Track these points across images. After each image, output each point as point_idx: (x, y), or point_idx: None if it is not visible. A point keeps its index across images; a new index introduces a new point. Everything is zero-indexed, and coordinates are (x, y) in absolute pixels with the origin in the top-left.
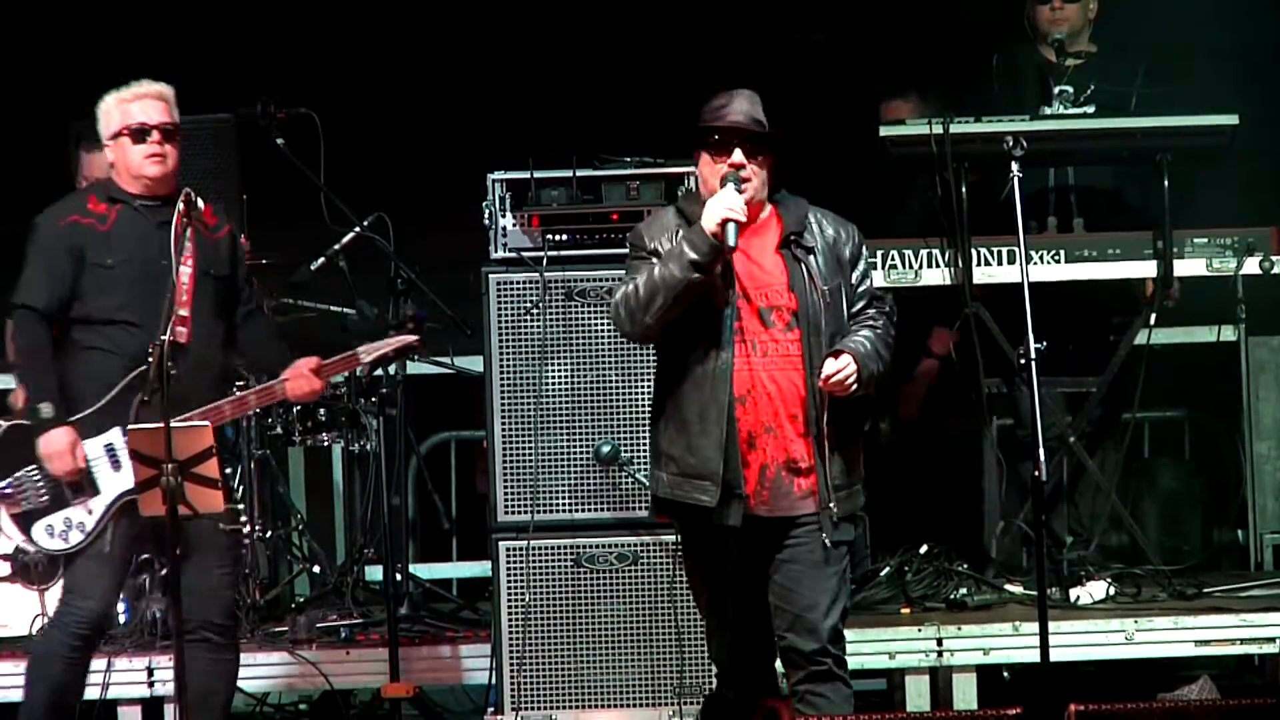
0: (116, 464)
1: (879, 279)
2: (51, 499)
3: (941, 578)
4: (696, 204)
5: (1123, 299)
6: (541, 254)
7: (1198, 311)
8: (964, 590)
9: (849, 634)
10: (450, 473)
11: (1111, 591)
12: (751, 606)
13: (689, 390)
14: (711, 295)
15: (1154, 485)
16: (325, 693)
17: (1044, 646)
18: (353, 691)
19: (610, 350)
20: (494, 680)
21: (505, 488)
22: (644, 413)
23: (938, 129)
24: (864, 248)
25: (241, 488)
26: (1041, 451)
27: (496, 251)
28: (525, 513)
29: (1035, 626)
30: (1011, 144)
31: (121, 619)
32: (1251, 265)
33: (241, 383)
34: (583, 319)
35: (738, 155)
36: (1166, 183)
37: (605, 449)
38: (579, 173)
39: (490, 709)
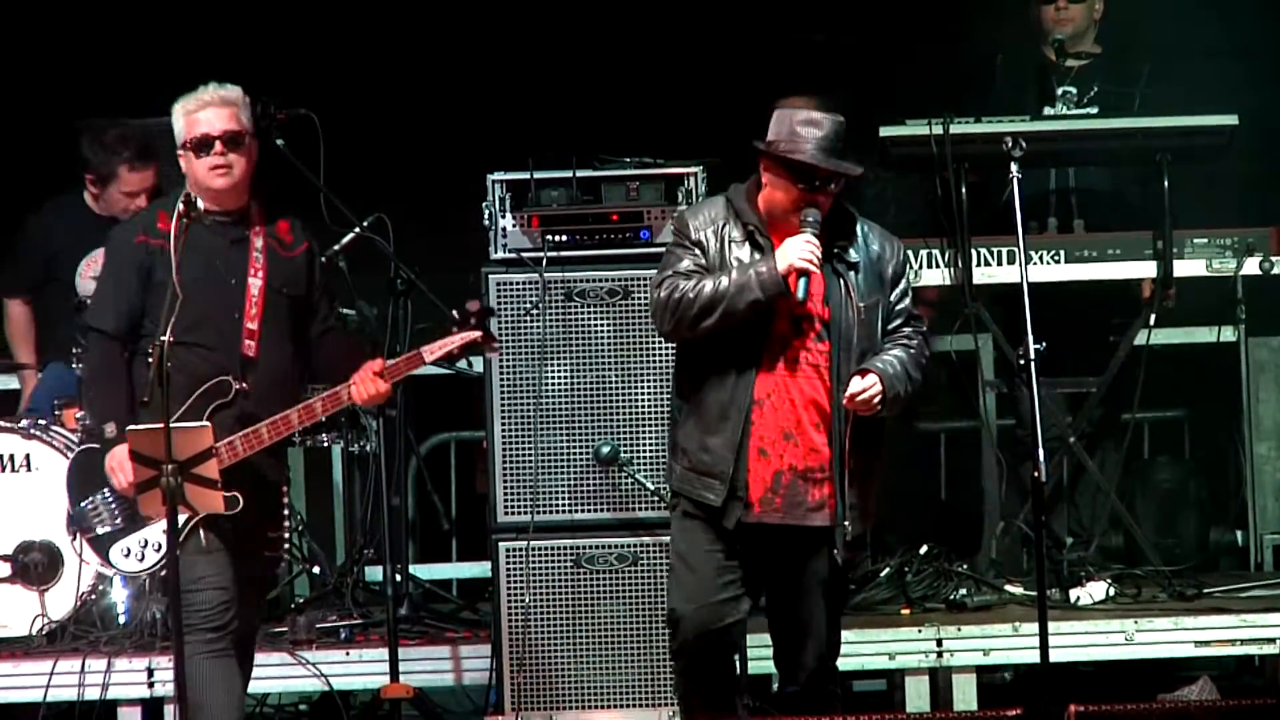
0: None
1: None
2: (126, 521)
3: (941, 578)
4: (746, 201)
5: (1123, 299)
6: (541, 254)
7: (1198, 312)
8: (964, 591)
9: (849, 635)
10: (450, 473)
11: (1111, 592)
12: (744, 606)
13: (712, 389)
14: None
15: (1152, 485)
16: (325, 693)
17: (1044, 647)
18: (352, 692)
19: (610, 350)
20: (494, 681)
21: (505, 488)
22: (644, 413)
23: (938, 129)
24: (907, 266)
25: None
26: (1041, 452)
27: (496, 252)
28: (525, 513)
29: (1035, 627)
30: (1011, 145)
31: (121, 619)
32: (1251, 266)
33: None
34: (583, 319)
35: (817, 206)
36: (1166, 183)
37: (605, 449)
38: (579, 173)
39: (490, 710)
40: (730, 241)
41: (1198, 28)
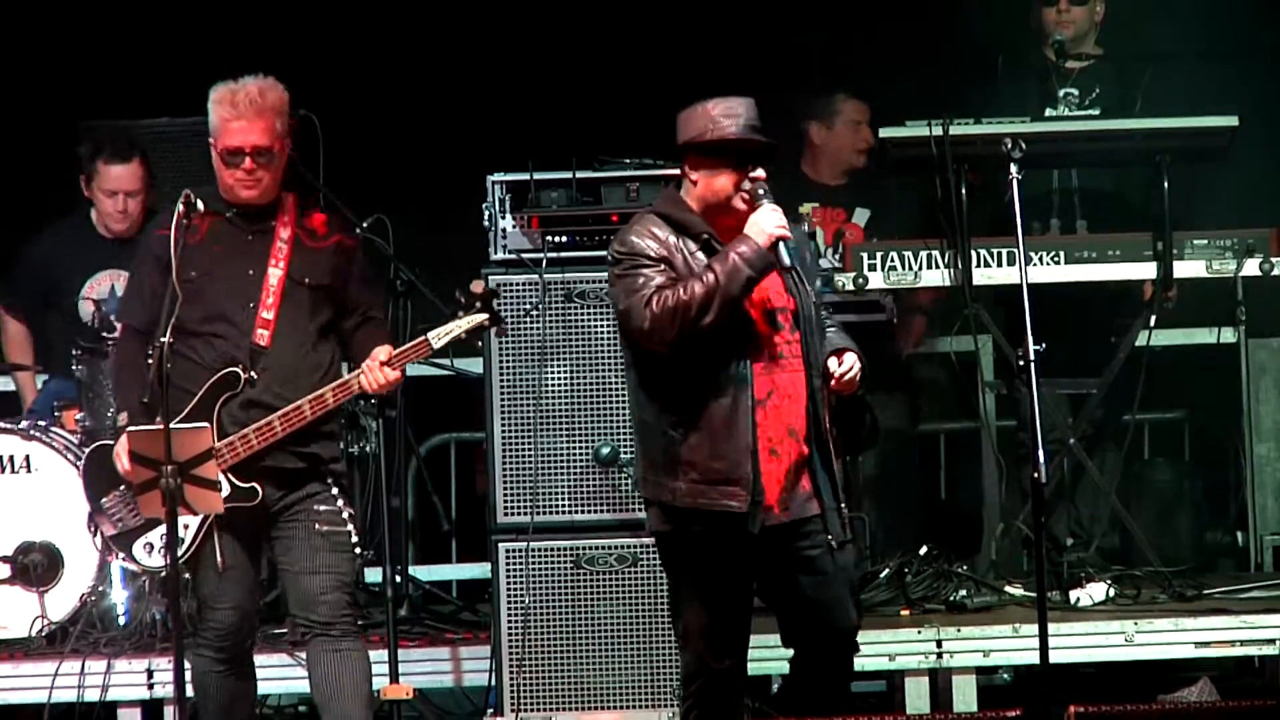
0: None
1: (878, 280)
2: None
3: (941, 579)
4: (686, 212)
5: (1123, 300)
6: (541, 255)
7: (1198, 313)
8: (964, 592)
9: None
10: (450, 474)
11: (1111, 593)
12: (746, 606)
13: (710, 397)
14: None
15: (1152, 487)
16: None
17: (1044, 648)
18: None
19: (610, 351)
20: (493, 682)
21: (505, 489)
22: None
23: (938, 130)
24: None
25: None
26: (1041, 453)
27: (496, 253)
28: (525, 514)
29: (1035, 628)
30: (1010, 146)
31: (121, 620)
32: (1251, 267)
33: None
34: (582, 320)
35: (760, 171)
36: (1167, 184)
37: (605, 450)
38: (578, 174)
39: (490, 711)
40: (689, 253)
41: (1198, 29)
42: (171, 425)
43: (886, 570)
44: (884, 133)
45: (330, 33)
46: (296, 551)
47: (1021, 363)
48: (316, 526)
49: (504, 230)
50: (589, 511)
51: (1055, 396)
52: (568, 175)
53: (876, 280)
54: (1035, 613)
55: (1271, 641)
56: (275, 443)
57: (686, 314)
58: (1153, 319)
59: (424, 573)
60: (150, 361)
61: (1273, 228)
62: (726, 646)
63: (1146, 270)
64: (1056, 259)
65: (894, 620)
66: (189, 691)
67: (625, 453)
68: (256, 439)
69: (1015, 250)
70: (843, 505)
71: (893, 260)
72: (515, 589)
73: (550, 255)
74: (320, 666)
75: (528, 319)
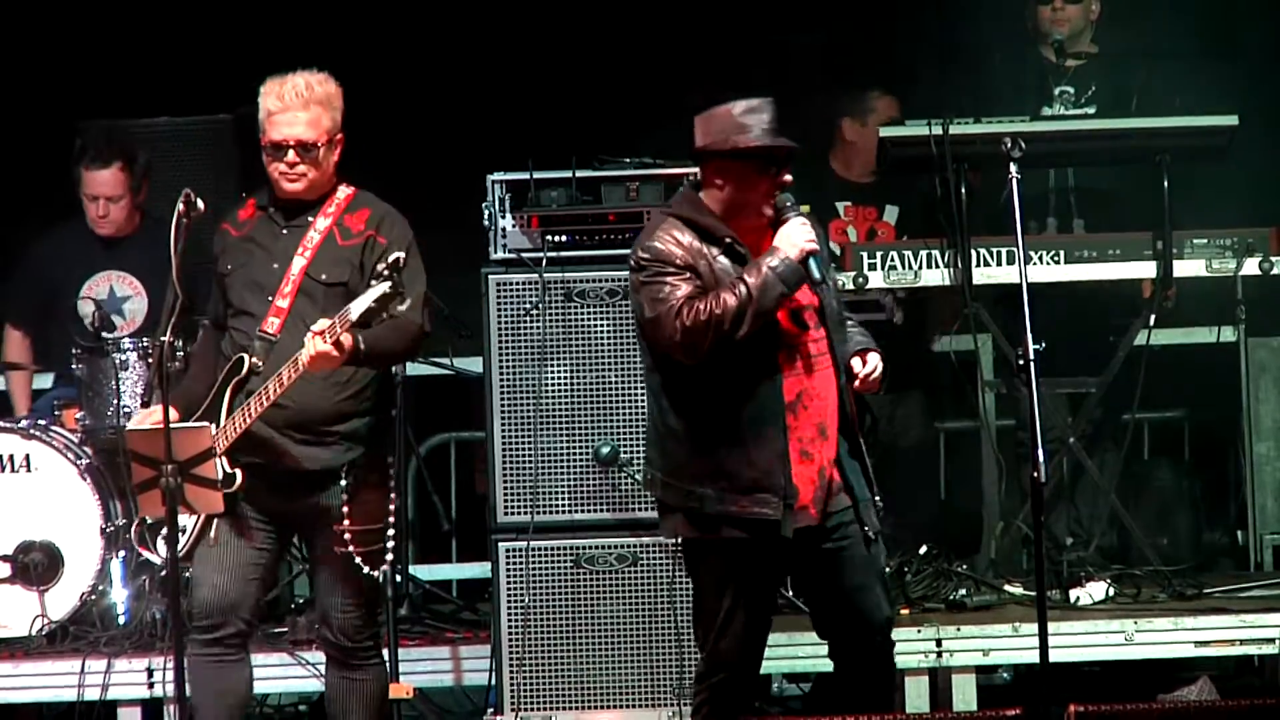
0: None
1: (878, 280)
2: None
3: (941, 578)
4: (708, 216)
5: (1123, 300)
6: (541, 255)
7: (1197, 312)
8: (963, 591)
9: None
10: (450, 474)
11: (1111, 592)
12: (761, 618)
13: (738, 403)
14: None
15: (1152, 486)
16: (324, 694)
17: (1043, 647)
18: None
19: (610, 351)
20: (494, 681)
21: (505, 489)
22: (644, 413)
23: (937, 130)
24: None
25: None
26: (1041, 452)
27: (496, 252)
28: (525, 514)
29: (1035, 627)
30: (1010, 145)
31: (121, 619)
32: (1251, 266)
33: None
34: (582, 320)
35: (788, 177)
36: (1166, 183)
37: (605, 450)
38: (578, 174)
39: (490, 710)
40: (712, 259)
41: (1197, 27)
42: (172, 425)
43: (886, 569)
44: (884, 132)
45: (330, 33)
46: (320, 565)
47: (1021, 362)
48: (335, 549)
49: (504, 230)
50: (589, 511)
51: (1055, 396)
52: (568, 175)
53: (876, 280)
54: (1035, 612)
55: (1271, 640)
56: (293, 443)
57: (720, 328)
58: (1152, 318)
59: (424, 572)
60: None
61: (1272, 227)
62: (745, 649)
63: (1146, 269)
64: (1056, 258)
65: (894, 619)
66: (189, 691)
67: (625, 452)
68: (240, 420)
69: (1015, 249)
70: (876, 497)
71: (893, 260)
72: (515, 588)
73: (550, 255)
74: (332, 689)
75: (528, 318)
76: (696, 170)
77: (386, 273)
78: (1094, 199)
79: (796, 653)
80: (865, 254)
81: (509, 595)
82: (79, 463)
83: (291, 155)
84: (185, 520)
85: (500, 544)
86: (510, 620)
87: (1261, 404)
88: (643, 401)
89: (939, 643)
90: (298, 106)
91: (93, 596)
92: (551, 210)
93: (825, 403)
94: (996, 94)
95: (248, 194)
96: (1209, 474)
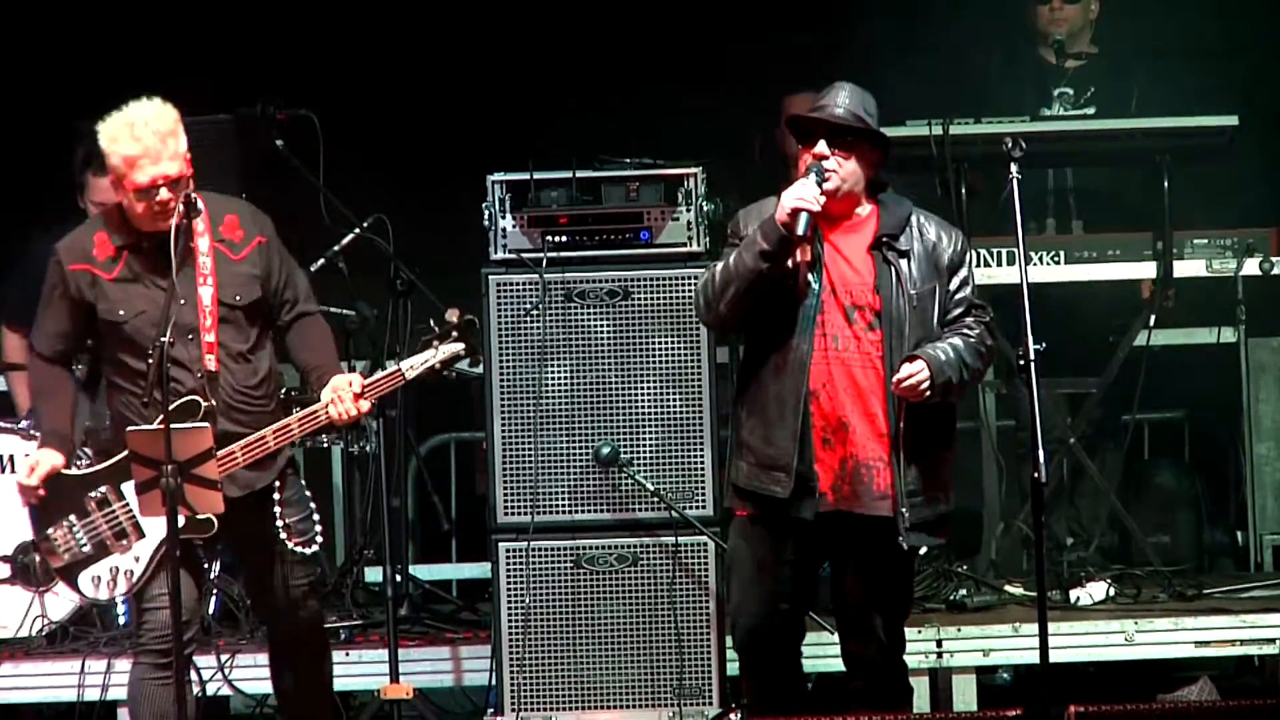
0: None
1: None
2: (95, 548)
3: (941, 579)
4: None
5: (1123, 300)
6: (541, 255)
7: (1197, 313)
8: (964, 591)
9: None
10: (450, 474)
11: (1111, 593)
12: (781, 601)
13: (768, 380)
14: (798, 287)
15: (1153, 486)
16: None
17: (1044, 648)
18: (352, 693)
19: (610, 351)
20: (494, 681)
21: (505, 489)
22: (644, 413)
23: (937, 130)
24: (968, 256)
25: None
26: (1041, 453)
27: (496, 253)
28: (525, 514)
29: (1035, 627)
30: (1011, 145)
31: (121, 620)
32: (1251, 266)
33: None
34: (582, 320)
35: (821, 146)
36: (1166, 184)
37: (605, 450)
38: (579, 174)
39: (490, 710)
40: None
41: (1197, 27)
42: (172, 425)
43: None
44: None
45: (329, 32)
46: (265, 567)
47: (1021, 362)
48: (276, 537)
49: (504, 230)
50: (589, 511)
51: (1055, 396)
52: (568, 175)
53: None
54: (1035, 612)
55: (1271, 641)
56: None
57: (710, 287)
58: (1152, 318)
59: (424, 572)
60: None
61: (1272, 227)
62: (766, 633)
63: (1146, 270)
64: (1056, 259)
65: None
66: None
67: (625, 453)
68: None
69: (1015, 250)
70: (905, 510)
71: None
72: (515, 589)
73: (550, 255)
74: (281, 680)
75: (527, 319)
76: (695, 171)
77: (456, 334)
78: (1093, 199)
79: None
80: None
81: (509, 595)
82: (79, 463)
83: (164, 194)
84: (132, 557)
85: (500, 544)
86: (510, 620)
87: (1261, 404)
88: (643, 402)
89: (939, 643)
90: (157, 143)
91: None
92: (552, 210)
93: (852, 398)
94: (995, 95)
95: (96, 224)
96: (1209, 474)
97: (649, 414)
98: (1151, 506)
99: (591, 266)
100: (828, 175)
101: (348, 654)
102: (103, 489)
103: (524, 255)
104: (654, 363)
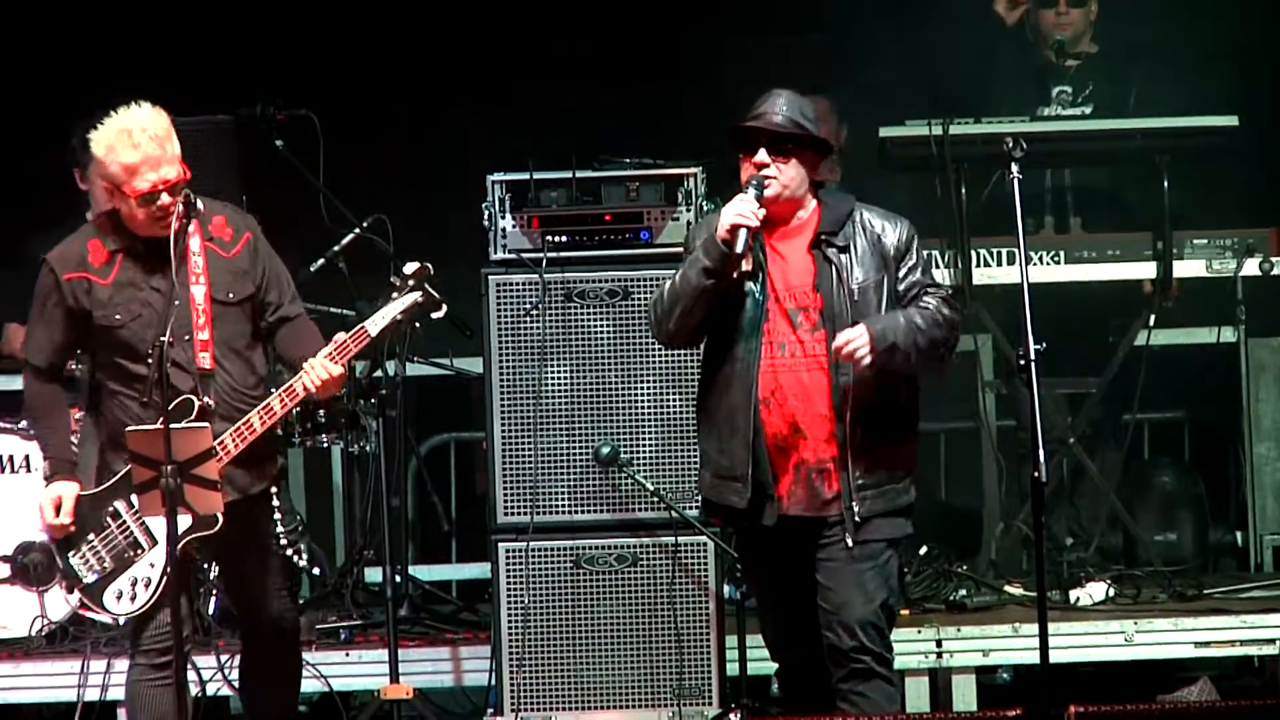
0: None
1: None
2: (115, 561)
3: (941, 579)
4: None
5: (1123, 300)
6: (541, 255)
7: (1197, 313)
8: (963, 591)
9: None
10: (450, 474)
11: (1111, 593)
12: (797, 599)
13: (719, 392)
14: (744, 297)
15: (1153, 486)
16: (325, 694)
17: (1044, 648)
18: (352, 693)
19: (610, 351)
20: (493, 682)
21: (505, 489)
22: (644, 413)
23: (937, 130)
24: (914, 242)
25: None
26: (1041, 453)
27: (496, 253)
28: (525, 514)
29: (1035, 628)
30: (1011, 145)
31: (121, 620)
32: (1251, 266)
33: None
34: (582, 320)
35: (761, 155)
36: (1166, 184)
37: (605, 450)
38: (578, 174)
39: (490, 710)
40: None
41: (1197, 27)
42: (172, 425)
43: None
44: (884, 132)
45: (330, 32)
46: (252, 575)
47: (1021, 362)
48: (269, 544)
49: (504, 230)
50: (589, 511)
51: (1055, 396)
52: (568, 175)
53: None
54: (1035, 612)
55: (1271, 641)
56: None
57: (659, 306)
58: (1152, 318)
59: (424, 572)
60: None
61: (1272, 227)
62: (780, 638)
63: (1146, 270)
64: (1056, 258)
65: (894, 620)
66: (192, 690)
67: (625, 453)
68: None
69: (1015, 250)
70: (854, 505)
71: None
72: (515, 589)
73: (550, 255)
74: (252, 676)
75: (527, 319)
76: (694, 171)
77: (413, 282)
78: (1092, 198)
79: None
80: None
81: (509, 596)
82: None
83: (165, 199)
84: (147, 564)
85: (500, 544)
86: (510, 621)
87: (1261, 404)
88: (642, 402)
89: (939, 643)
90: (155, 149)
91: None
92: (551, 210)
93: (801, 402)
94: (995, 95)
95: (91, 231)
96: (1209, 474)
97: (649, 414)
98: (1152, 506)
99: (591, 266)
100: (767, 183)
101: (347, 654)
102: (117, 502)
103: (524, 255)
104: (654, 363)
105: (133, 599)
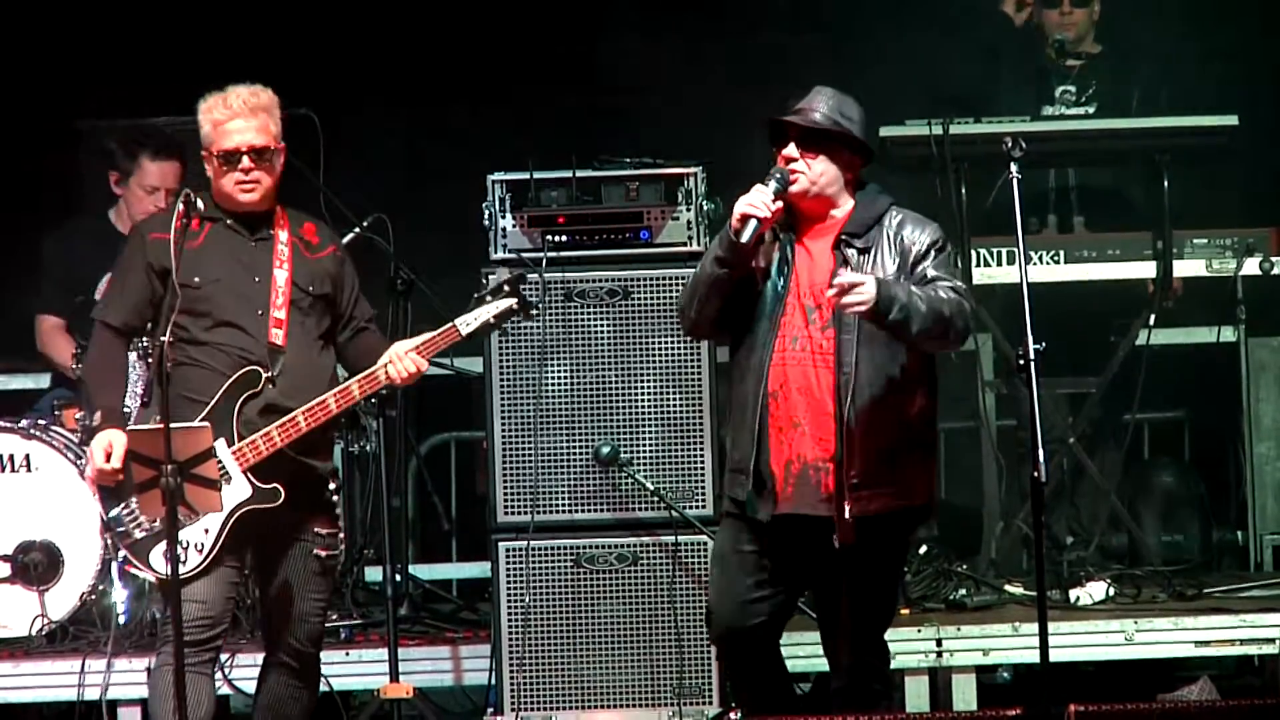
0: (227, 478)
1: None
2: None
3: (941, 578)
4: None
5: (1123, 299)
6: (541, 255)
7: (1198, 312)
8: (963, 591)
9: None
10: (450, 473)
11: (1111, 592)
12: (773, 593)
13: (738, 384)
14: (767, 291)
15: (1154, 486)
16: (325, 693)
17: (1044, 647)
18: (352, 692)
19: (610, 351)
20: (494, 681)
21: (505, 488)
22: (644, 413)
23: (938, 130)
24: (937, 246)
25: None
26: (1041, 452)
27: (496, 252)
28: (525, 513)
29: (1035, 627)
30: (1010, 145)
31: (121, 619)
32: (1251, 266)
33: None
34: (582, 320)
35: (790, 149)
36: (1166, 183)
37: (605, 450)
38: (578, 174)
39: (490, 710)
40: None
41: (1198, 27)
42: (172, 424)
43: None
44: (884, 131)
45: (330, 32)
46: (288, 570)
47: (1021, 361)
48: (315, 551)
49: (504, 229)
50: (589, 511)
51: (1055, 395)
52: (568, 174)
53: None
54: (1035, 612)
55: (1271, 640)
56: (291, 452)
57: (684, 297)
58: (1153, 318)
59: (424, 572)
60: (150, 362)
61: (1272, 227)
62: (741, 608)
63: (1146, 269)
64: (1056, 258)
65: (894, 619)
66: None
67: (625, 452)
68: (280, 435)
69: (1015, 249)
70: (847, 504)
71: None
72: (515, 588)
73: (550, 255)
74: (270, 698)
75: (527, 318)
76: (695, 171)
77: (508, 288)
78: (1094, 197)
79: (796, 652)
80: None
81: (509, 595)
82: (79, 463)
83: (246, 162)
84: (201, 529)
85: (500, 544)
86: (510, 620)
87: (1261, 404)
88: (643, 402)
89: (939, 642)
90: (246, 113)
91: (92, 596)
92: (551, 210)
93: (806, 399)
94: (998, 94)
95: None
96: (1209, 474)
97: (649, 413)
98: (1153, 506)
99: (591, 266)
100: (794, 177)
101: (348, 653)
102: None
103: (524, 255)
104: (654, 362)
105: (183, 562)
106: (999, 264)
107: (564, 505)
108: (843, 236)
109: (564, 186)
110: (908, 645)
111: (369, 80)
